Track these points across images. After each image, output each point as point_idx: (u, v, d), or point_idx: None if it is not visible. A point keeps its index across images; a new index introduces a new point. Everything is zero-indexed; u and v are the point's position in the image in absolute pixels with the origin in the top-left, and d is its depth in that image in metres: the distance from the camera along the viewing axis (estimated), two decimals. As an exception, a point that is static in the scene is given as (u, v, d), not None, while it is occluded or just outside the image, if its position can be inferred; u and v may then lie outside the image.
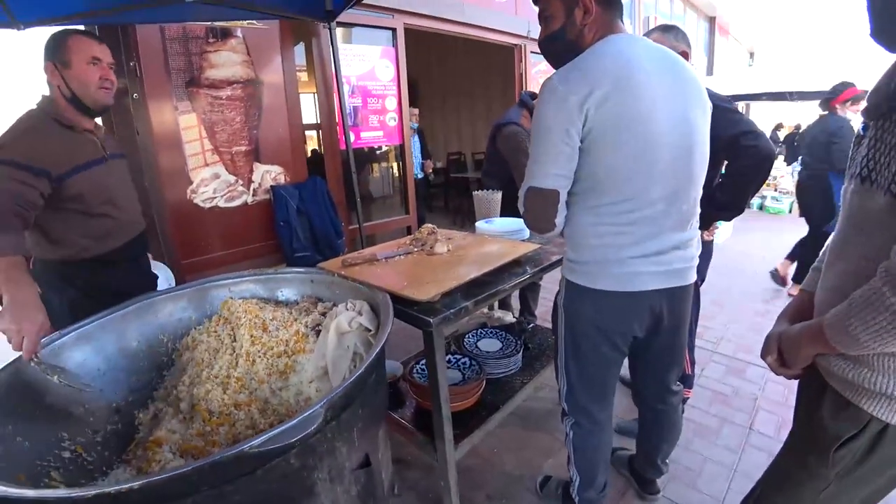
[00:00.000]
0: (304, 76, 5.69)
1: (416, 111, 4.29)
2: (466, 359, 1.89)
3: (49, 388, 1.22)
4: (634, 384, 1.63)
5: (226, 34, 2.71)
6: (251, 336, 1.34)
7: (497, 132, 2.53)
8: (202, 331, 1.48)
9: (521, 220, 2.10)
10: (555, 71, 1.17)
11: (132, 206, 1.75)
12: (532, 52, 5.03)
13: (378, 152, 4.04)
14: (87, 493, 0.68)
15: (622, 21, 1.26)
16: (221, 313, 1.51)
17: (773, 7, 11.36)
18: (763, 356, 1.03)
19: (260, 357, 1.31)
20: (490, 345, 2.10)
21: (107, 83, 1.54)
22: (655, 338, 1.37)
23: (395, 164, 4.04)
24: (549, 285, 3.88)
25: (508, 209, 2.36)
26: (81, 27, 2.02)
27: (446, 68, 8.31)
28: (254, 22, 2.79)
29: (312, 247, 2.87)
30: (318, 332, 1.34)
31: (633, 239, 1.20)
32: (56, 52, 1.48)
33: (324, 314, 1.39)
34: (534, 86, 4.94)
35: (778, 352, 0.97)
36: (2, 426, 1.04)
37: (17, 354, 1.16)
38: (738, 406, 2.48)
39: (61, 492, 0.83)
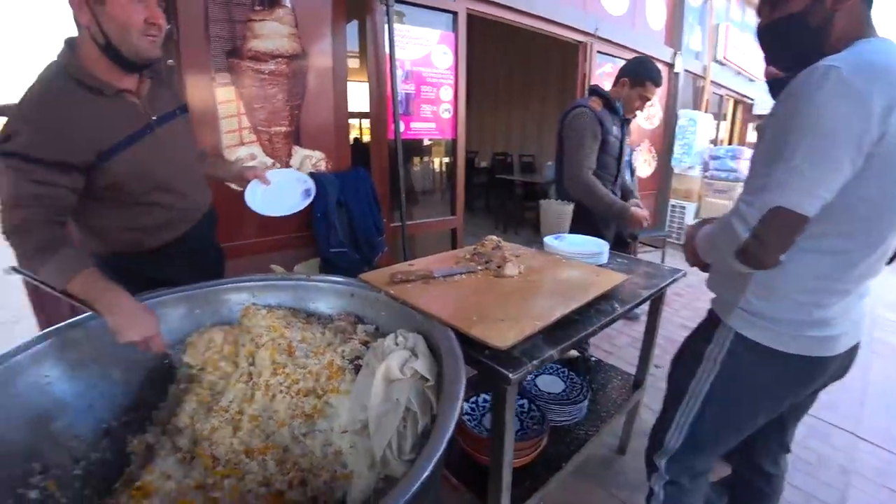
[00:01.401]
0: (354, 58, 5.45)
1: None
2: (525, 401, 1.56)
3: (36, 399, 0.98)
4: (748, 442, 1.31)
5: (273, 2, 2.45)
6: (273, 363, 1.06)
7: (563, 120, 2.25)
8: (214, 345, 1.21)
9: (599, 241, 1.76)
10: (829, 58, 0.83)
11: (193, 185, 1.39)
12: (599, 52, 4.65)
13: (429, 146, 3.74)
14: None
15: None
16: (241, 323, 1.23)
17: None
18: None
19: (282, 392, 1.02)
20: (551, 384, 1.76)
21: (153, 29, 1.10)
22: (812, 394, 1.17)
23: (445, 161, 3.72)
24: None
25: (581, 224, 2.03)
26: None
27: (501, 62, 7.91)
28: (305, -8, 2.53)
29: (350, 243, 2.57)
30: (357, 367, 1.05)
31: (842, 296, 0.97)
32: None
33: (366, 344, 1.09)
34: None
35: None
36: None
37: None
38: (826, 479, 2.10)
39: None
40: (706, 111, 6.24)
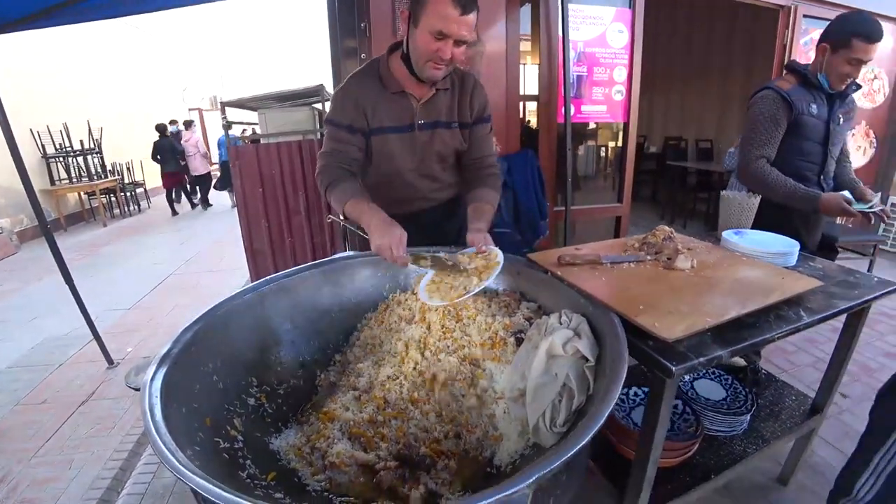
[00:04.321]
0: (525, 41, 5.41)
1: None
2: (679, 402, 1.48)
3: (259, 329, 1.25)
4: None
5: (453, -7, 2.59)
6: (442, 327, 1.18)
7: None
8: (391, 306, 1.38)
9: (789, 240, 1.57)
10: None
11: (431, 184, 1.61)
12: (805, 15, 3.87)
13: (596, 130, 3.61)
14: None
15: None
16: (414, 290, 1.38)
17: None
18: None
19: (447, 354, 1.14)
20: (711, 390, 1.64)
21: (440, 63, 1.31)
22: None
23: (613, 145, 3.57)
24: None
25: (772, 222, 1.76)
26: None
27: (674, 34, 7.16)
28: (483, -22, 2.61)
29: (513, 224, 2.65)
30: (518, 340, 1.11)
31: None
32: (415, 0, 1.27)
33: (529, 320, 1.15)
34: (802, 60, 3.89)
35: None
36: (206, 362, 1.06)
37: (231, 294, 1.22)
38: None
39: None
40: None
